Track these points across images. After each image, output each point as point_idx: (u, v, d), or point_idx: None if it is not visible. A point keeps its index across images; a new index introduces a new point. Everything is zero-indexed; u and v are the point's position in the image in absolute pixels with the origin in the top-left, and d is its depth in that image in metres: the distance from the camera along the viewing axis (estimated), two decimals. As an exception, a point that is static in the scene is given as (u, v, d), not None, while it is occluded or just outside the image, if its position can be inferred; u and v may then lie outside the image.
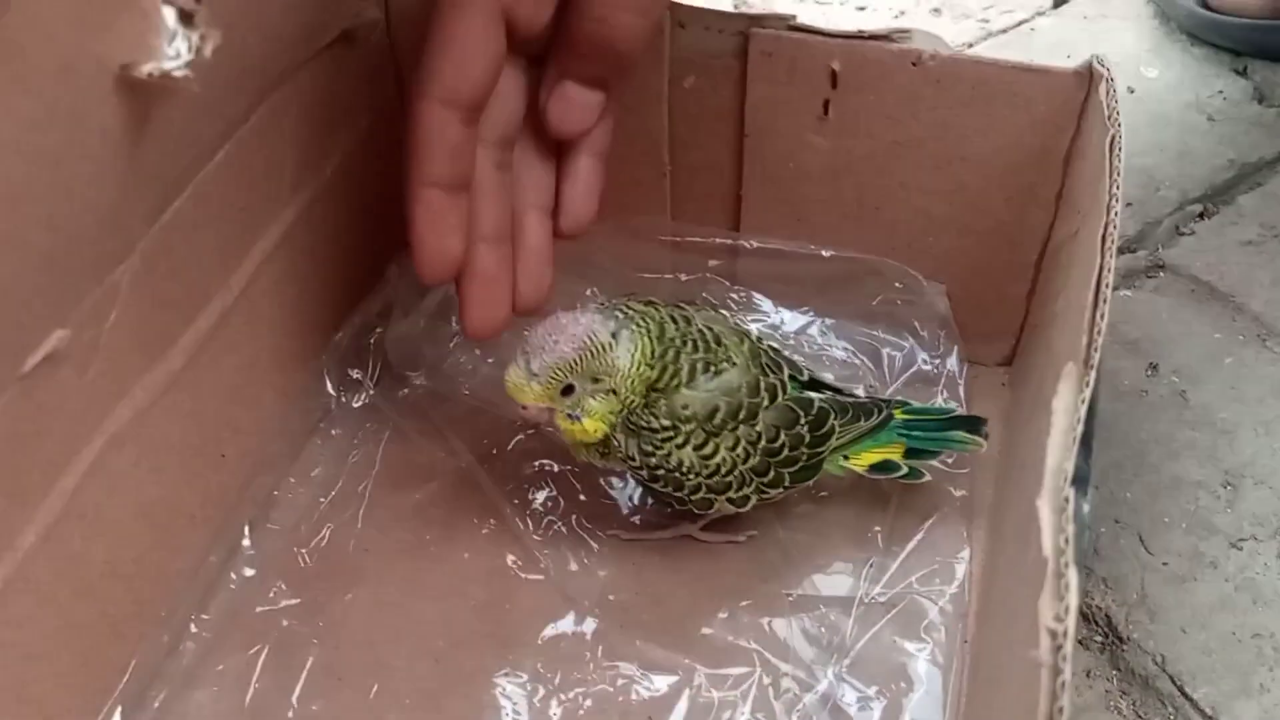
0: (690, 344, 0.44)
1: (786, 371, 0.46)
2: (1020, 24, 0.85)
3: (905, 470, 0.47)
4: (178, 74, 0.33)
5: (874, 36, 0.46)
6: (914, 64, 0.46)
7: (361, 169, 0.53)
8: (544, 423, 0.44)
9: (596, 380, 0.42)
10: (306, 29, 0.47)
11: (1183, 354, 0.59)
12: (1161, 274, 0.64)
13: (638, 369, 0.42)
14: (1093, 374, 0.34)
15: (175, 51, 0.33)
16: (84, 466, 0.40)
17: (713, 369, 0.44)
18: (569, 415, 0.43)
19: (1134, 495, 0.52)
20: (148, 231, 0.40)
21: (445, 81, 0.39)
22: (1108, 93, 0.43)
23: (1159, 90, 0.78)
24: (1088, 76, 0.45)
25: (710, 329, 0.45)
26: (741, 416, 0.44)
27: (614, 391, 0.42)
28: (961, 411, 0.51)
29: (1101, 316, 0.35)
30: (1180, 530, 0.51)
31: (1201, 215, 0.68)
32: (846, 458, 0.47)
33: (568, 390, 0.42)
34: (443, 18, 0.38)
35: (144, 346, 0.42)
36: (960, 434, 0.48)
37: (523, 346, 0.42)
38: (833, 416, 0.46)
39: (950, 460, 0.50)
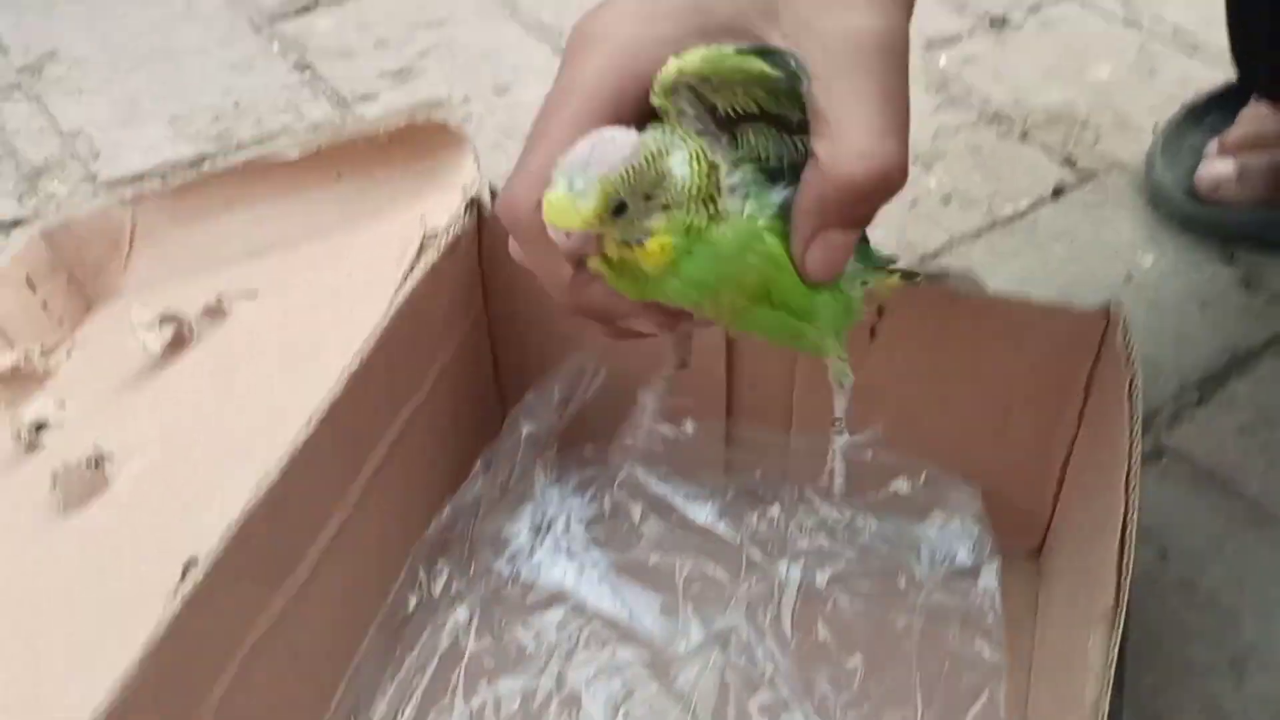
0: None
1: None
2: (1025, 213, 0.92)
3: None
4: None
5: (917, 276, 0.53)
6: (952, 302, 0.53)
7: (455, 375, 0.59)
8: (589, 254, 0.37)
9: (649, 197, 0.36)
10: (410, 244, 0.53)
11: (1189, 539, 0.64)
12: (1165, 460, 0.70)
13: (696, 180, 0.36)
14: (1121, 624, 0.39)
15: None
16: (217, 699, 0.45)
17: None
18: (630, 242, 0.36)
19: (1151, 680, 0.57)
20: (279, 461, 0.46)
21: None
22: (1123, 336, 0.49)
23: (1154, 278, 0.85)
24: (1105, 316, 0.51)
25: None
26: None
27: (668, 207, 0.36)
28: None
29: (1128, 566, 0.40)
30: (1194, 713, 0.56)
31: (1199, 402, 0.74)
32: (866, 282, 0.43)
33: (619, 210, 0.35)
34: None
35: (275, 562, 0.47)
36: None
37: (561, 166, 0.35)
38: None
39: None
